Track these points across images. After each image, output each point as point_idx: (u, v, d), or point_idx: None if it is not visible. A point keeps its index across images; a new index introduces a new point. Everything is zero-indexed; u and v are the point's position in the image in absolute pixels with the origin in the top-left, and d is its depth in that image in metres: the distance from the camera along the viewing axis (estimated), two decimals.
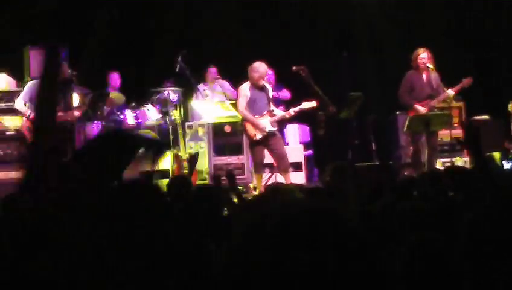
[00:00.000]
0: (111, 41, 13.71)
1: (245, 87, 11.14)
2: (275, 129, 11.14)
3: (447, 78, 11.67)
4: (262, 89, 11.13)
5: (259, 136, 11.03)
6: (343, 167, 7.99)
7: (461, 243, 3.29)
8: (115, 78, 13.43)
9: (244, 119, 11.12)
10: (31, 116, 10.65)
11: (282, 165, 11.08)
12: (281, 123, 11.81)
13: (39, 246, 3.59)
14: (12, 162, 11.29)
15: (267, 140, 11.05)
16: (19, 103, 10.85)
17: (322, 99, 11.35)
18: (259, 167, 11.17)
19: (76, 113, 11.16)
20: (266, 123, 11.05)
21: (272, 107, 11.19)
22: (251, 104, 11.08)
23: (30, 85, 10.92)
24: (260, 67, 11.05)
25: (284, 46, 14.07)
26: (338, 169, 7.95)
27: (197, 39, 13.89)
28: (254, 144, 11.11)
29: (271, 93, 11.28)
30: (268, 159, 11.50)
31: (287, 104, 12.49)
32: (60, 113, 10.74)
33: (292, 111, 11.22)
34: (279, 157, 11.08)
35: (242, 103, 11.12)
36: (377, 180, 7.52)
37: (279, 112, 11.25)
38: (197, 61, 12.76)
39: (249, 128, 11.06)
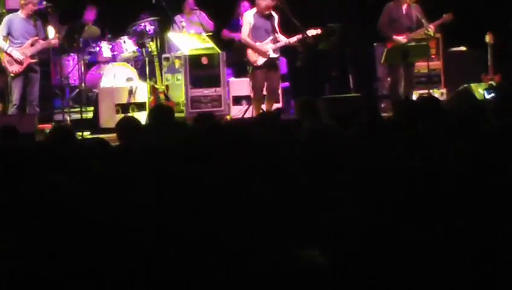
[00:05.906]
0: None
1: (249, 15, 11.23)
2: (277, 56, 11.23)
3: (428, 12, 11.58)
4: (268, 17, 11.14)
5: (260, 62, 11.06)
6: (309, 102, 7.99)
7: None
8: (91, 12, 13.22)
9: (246, 46, 11.14)
10: (8, 50, 10.54)
11: (273, 97, 11.24)
12: None
13: None
14: None
15: (268, 68, 11.11)
16: None
17: (301, 31, 11.29)
18: (260, 93, 11.21)
19: (54, 41, 10.99)
20: (268, 49, 11.07)
21: (278, 35, 11.17)
22: (254, 31, 11.13)
23: (8, 18, 10.75)
24: None
25: None
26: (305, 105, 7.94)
27: None
28: (255, 69, 11.14)
29: (276, 22, 11.22)
30: (245, 91, 11.53)
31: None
32: (40, 41, 10.65)
33: (296, 38, 11.20)
34: (272, 89, 11.22)
35: (245, 30, 11.18)
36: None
37: (283, 39, 11.22)
38: None
39: (250, 54, 11.09)
